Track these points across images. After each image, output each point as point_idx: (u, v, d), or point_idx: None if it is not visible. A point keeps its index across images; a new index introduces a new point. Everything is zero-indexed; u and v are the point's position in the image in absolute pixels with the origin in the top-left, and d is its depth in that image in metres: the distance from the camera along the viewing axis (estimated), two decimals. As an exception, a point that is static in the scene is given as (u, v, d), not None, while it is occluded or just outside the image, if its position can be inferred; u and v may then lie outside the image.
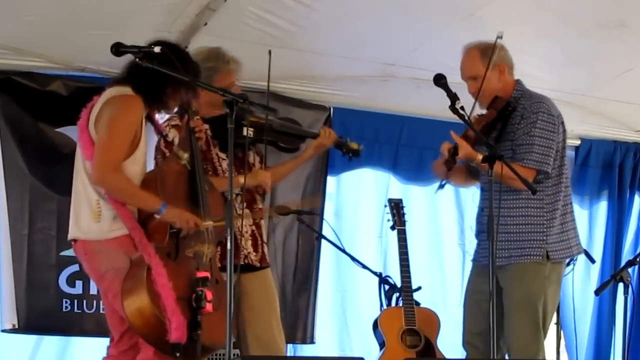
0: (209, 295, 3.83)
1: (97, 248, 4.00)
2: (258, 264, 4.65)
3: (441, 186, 4.83)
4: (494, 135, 4.68)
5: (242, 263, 4.50)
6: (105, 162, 3.94)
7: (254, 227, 4.66)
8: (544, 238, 4.63)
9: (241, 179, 4.41)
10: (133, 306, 3.87)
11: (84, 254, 4.07)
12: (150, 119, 4.29)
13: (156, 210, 3.96)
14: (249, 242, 4.62)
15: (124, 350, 4.06)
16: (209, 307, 3.83)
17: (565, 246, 4.71)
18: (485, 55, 4.63)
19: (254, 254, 4.64)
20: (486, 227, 4.21)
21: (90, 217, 4.01)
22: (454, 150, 4.51)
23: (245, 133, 4.45)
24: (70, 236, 4.11)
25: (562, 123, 4.72)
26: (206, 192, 4.18)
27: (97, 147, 3.97)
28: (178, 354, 3.80)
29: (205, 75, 4.42)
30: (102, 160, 3.94)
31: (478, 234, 4.86)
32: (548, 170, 4.61)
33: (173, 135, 4.52)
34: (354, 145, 4.96)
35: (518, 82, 4.78)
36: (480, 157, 4.41)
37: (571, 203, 4.81)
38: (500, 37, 4.57)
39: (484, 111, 4.77)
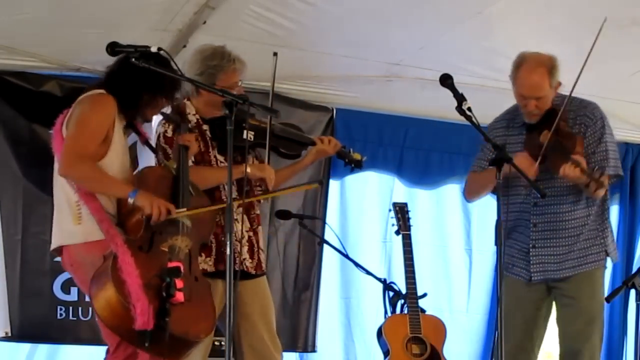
0: (179, 283, 3.81)
1: (82, 258, 3.97)
2: (253, 271, 4.57)
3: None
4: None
5: (238, 269, 4.40)
6: (71, 153, 3.95)
7: (251, 233, 4.57)
8: (604, 241, 4.69)
9: (248, 168, 4.34)
10: (101, 299, 3.85)
11: (70, 265, 4.06)
12: (133, 127, 4.27)
13: (127, 195, 3.94)
14: (245, 248, 4.53)
15: None
16: (179, 295, 3.81)
17: (614, 247, 4.80)
18: (552, 75, 4.61)
19: (250, 260, 4.56)
20: (537, 242, 4.51)
21: (71, 220, 3.99)
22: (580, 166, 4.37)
23: (245, 136, 4.42)
24: (53, 245, 4.09)
25: None
26: (190, 196, 4.16)
27: (65, 141, 3.99)
28: (146, 344, 3.75)
29: (208, 73, 4.41)
30: (68, 152, 3.96)
31: (521, 247, 4.76)
32: (622, 173, 4.72)
33: (171, 132, 4.44)
34: (357, 156, 4.91)
35: (572, 88, 4.71)
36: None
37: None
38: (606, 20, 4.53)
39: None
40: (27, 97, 5.45)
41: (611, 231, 4.81)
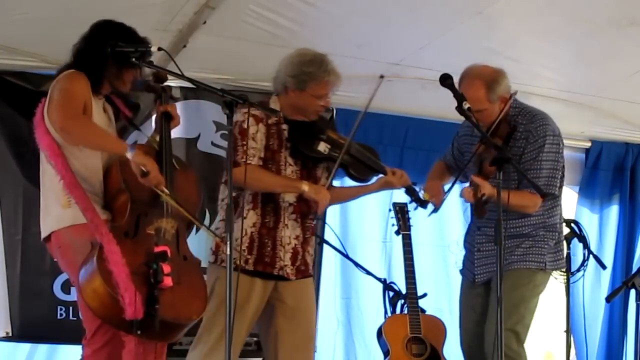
0: (166, 268, 3.81)
1: (70, 239, 3.98)
2: (293, 277, 4.50)
3: (435, 211, 4.81)
4: None
5: (277, 274, 4.43)
6: (64, 111, 3.96)
7: (296, 241, 4.50)
8: (542, 252, 4.70)
9: (304, 186, 4.36)
10: (89, 288, 3.85)
11: (58, 247, 4.04)
12: (112, 103, 4.27)
13: (126, 150, 3.92)
14: (288, 255, 4.47)
15: (98, 349, 4.05)
16: (167, 280, 3.81)
17: (556, 258, 4.78)
18: (491, 89, 4.56)
19: (291, 267, 4.48)
20: (482, 246, 4.60)
21: (60, 205, 4.00)
22: (476, 192, 4.39)
23: (321, 149, 4.44)
24: (44, 233, 4.08)
25: (562, 141, 4.73)
26: (175, 171, 4.15)
27: (53, 105, 4.00)
28: (138, 332, 3.77)
29: (300, 79, 4.40)
30: (61, 110, 3.97)
31: (469, 249, 4.88)
32: (555, 192, 4.67)
33: (250, 124, 4.41)
34: (426, 196, 4.78)
35: (512, 97, 4.68)
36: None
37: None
38: (515, 93, 4.60)
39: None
40: (27, 97, 5.33)
41: (559, 242, 4.80)
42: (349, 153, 4.56)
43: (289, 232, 4.45)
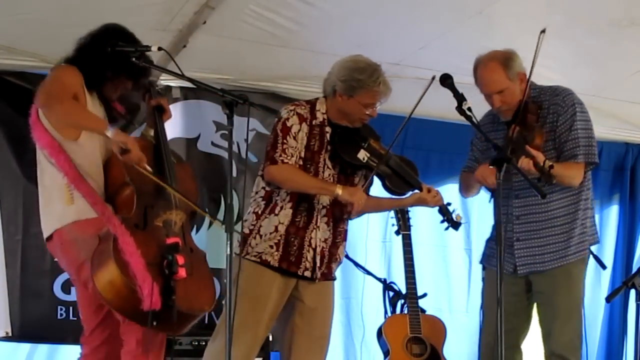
0: (181, 259, 3.81)
1: (74, 235, 3.96)
2: (316, 280, 4.51)
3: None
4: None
5: (301, 274, 4.44)
6: (47, 91, 3.98)
7: (324, 244, 4.49)
8: (585, 230, 4.64)
9: (338, 190, 4.35)
10: (103, 280, 3.83)
11: (60, 245, 4.01)
12: (105, 102, 4.23)
13: (106, 128, 3.89)
14: (317, 258, 4.47)
15: (97, 346, 4.06)
16: (181, 272, 3.80)
17: (593, 232, 4.73)
18: (508, 67, 4.56)
19: (315, 270, 4.48)
20: (522, 235, 4.47)
21: (63, 202, 3.98)
22: (536, 161, 4.32)
23: (361, 157, 4.45)
24: (46, 233, 4.06)
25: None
26: (173, 165, 4.16)
27: (39, 89, 4.01)
28: (155, 322, 3.77)
29: (349, 85, 4.39)
30: (43, 91, 3.99)
31: (505, 241, 4.67)
32: (597, 160, 4.62)
33: (293, 122, 4.42)
34: (458, 218, 4.78)
35: (529, 81, 4.66)
36: (553, 165, 4.31)
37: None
38: (543, 32, 4.49)
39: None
40: (27, 97, 5.32)
41: (592, 216, 4.75)
42: (387, 165, 4.57)
43: (320, 235, 4.45)
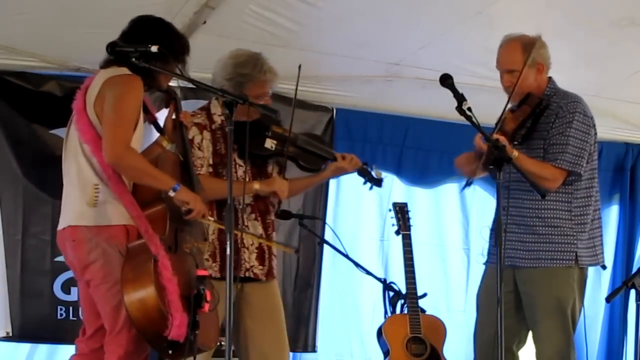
0: (208, 295, 3.78)
1: (88, 237, 3.87)
2: (264, 278, 4.50)
3: (468, 184, 4.71)
4: (522, 132, 4.59)
5: (243, 275, 4.40)
6: (118, 140, 3.83)
7: (261, 240, 4.50)
8: (575, 242, 4.57)
9: (255, 185, 4.36)
10: (135, 297, 3.75)
11: (71, 240, 3.92)
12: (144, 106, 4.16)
13: (171, 188, 3.86)
14: (253, 256, 4.47)
15: (96, 349, 3.96)
16: (206, 307, 3.78)
17: (592, 253, 4.65)
18: (527, 50, 4.55)
19: (260, 267, 4.48)
20: (507, 227, 4.29)
21: (85, 201, 3.89)
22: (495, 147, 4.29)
23: (268, 145, 4.44)
24: (62, 225, 3.97)
25: (594, 126, 4.66)
26: (201, 185, 4.11)
27: (107, 126, 3.85)
28: (171, 351, 3.73)
29: (236, 82, 4.37)
30: (114, 139, 3.83)
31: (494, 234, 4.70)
32: (580, 172, 4.55)
33: (193, 134, 4.41)
34: (378, 174, 4.83)
35: (550, 79, 4.70)
36: (516, 153, 4.32)
37: (600, 209, 4.74)
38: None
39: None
40: (27, 97, 5.42)
41: (600, 238, 4.69)
42: (295, 145, 4.57)
43: (251, 232, 4.44)
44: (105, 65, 4.03)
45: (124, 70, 3.96)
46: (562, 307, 4.54)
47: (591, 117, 4.64)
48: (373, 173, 4.80)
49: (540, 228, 4.54)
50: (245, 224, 4.42)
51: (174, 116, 4.21)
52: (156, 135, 4.25)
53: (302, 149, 4.63)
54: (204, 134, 4.42)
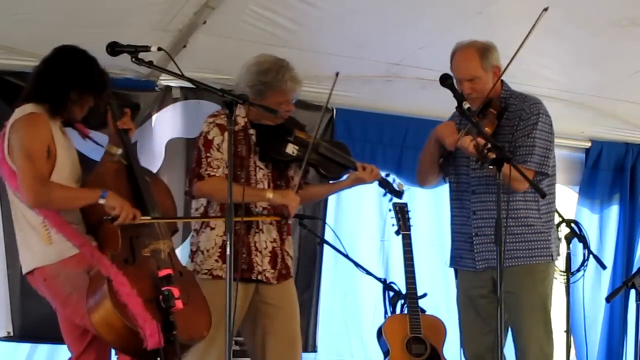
0: (176, 292, 3.80)
1: (56, 272, 3.95)
2: (275, 282, 4.48)
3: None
4: None
5: (255, 279, 4.41)
6: (30, 183, 3.89)
7: (275, 244, 4.48)
8: (549, 238, 4.63)
9: (269, 194, 4.35)
10: (101, 322, 3.81)
11: (43, 280, 3.99)
12: (71, 125, 4.22)
13: (99, 197, 3.90)
14: (266, 260, 4.45)
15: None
16: (178, 304, 3.81)
17: (557, 248, 4.74)
18: (484, 57, 4.57)
19: (272, 271, 4.46)
20: (480, 230, 4.46)
21: (41, 241, 3.96)
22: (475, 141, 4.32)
23: (289, 151, 4.43)
24: (26, 268, 4.04)
25: (552, 124, 4.70)
26: (148, 185, 4.13)
27: (18, 173, 3.93)
28: (159, 359, 3.77)
29: (257, 89, 4.37)
30: (28, 183, 3.89)
31: (466, 238, 4.71)
32: (548, 172, 4.59)
33: (214, 134, 4.41)
34: (400, 187, 4.79)
35: (503, 82, 4.70)
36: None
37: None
38: (546, 10, 4.48)
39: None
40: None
41: (557, 238, 4.78)
42: (316, 152, 4.55)
43: (265, 237, 4.43)
44: (18, 103, 4.09)
45: (27, 109, 4.01)
46: (544, 302, 4.58)
47: (550, 117, 4.66)
48: (395, 185, 4.76)
49: (515, 228, 4.56)
50: (260, 227, 4.42)
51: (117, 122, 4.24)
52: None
53: (323, 156, 4.58)
54: (225, 136, 4.36)
